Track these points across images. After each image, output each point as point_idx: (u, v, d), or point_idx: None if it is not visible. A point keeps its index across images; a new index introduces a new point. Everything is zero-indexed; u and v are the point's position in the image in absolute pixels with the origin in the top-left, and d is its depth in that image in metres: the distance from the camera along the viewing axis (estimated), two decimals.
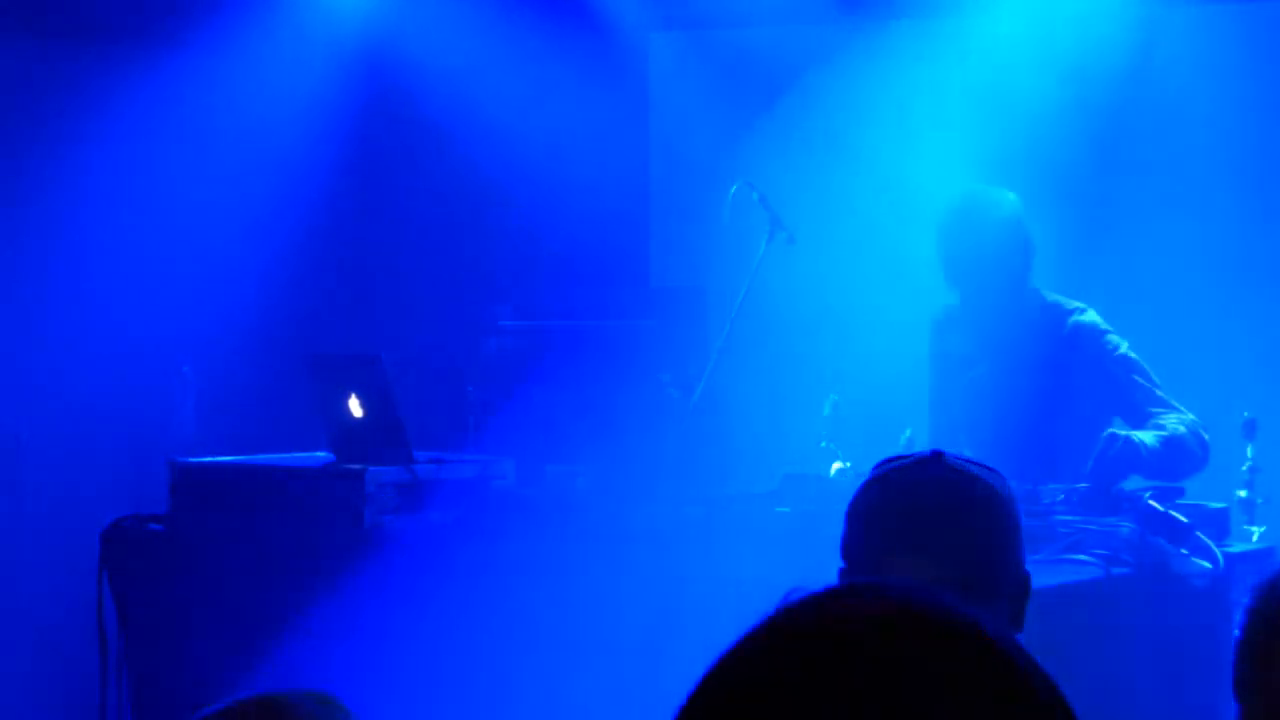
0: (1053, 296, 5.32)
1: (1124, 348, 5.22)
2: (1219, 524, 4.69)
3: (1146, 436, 4.92)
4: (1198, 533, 4.42)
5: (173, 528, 4.93)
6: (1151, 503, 4.41)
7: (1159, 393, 5.14)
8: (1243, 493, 5.03)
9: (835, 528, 2.58)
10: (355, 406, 4.89)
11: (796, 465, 5.36)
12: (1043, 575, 4.02)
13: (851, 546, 2.61)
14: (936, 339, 5.53)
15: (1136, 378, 5.15)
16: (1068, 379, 5.17)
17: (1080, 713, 1.47)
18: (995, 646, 1.32)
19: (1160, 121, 7.23)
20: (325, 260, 7.81)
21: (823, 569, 3.86)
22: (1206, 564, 4.41)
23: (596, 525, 4.66)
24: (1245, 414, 5.23)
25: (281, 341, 7.12)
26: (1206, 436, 5.03)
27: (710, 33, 8.12)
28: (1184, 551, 4.40)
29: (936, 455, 2.62)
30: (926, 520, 2.54)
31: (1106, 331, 5.25)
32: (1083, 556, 4.32)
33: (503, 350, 7.56)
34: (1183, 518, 4.42)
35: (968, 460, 2.65)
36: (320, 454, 5.07)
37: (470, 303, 7.82)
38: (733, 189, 5.72)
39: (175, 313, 7.36)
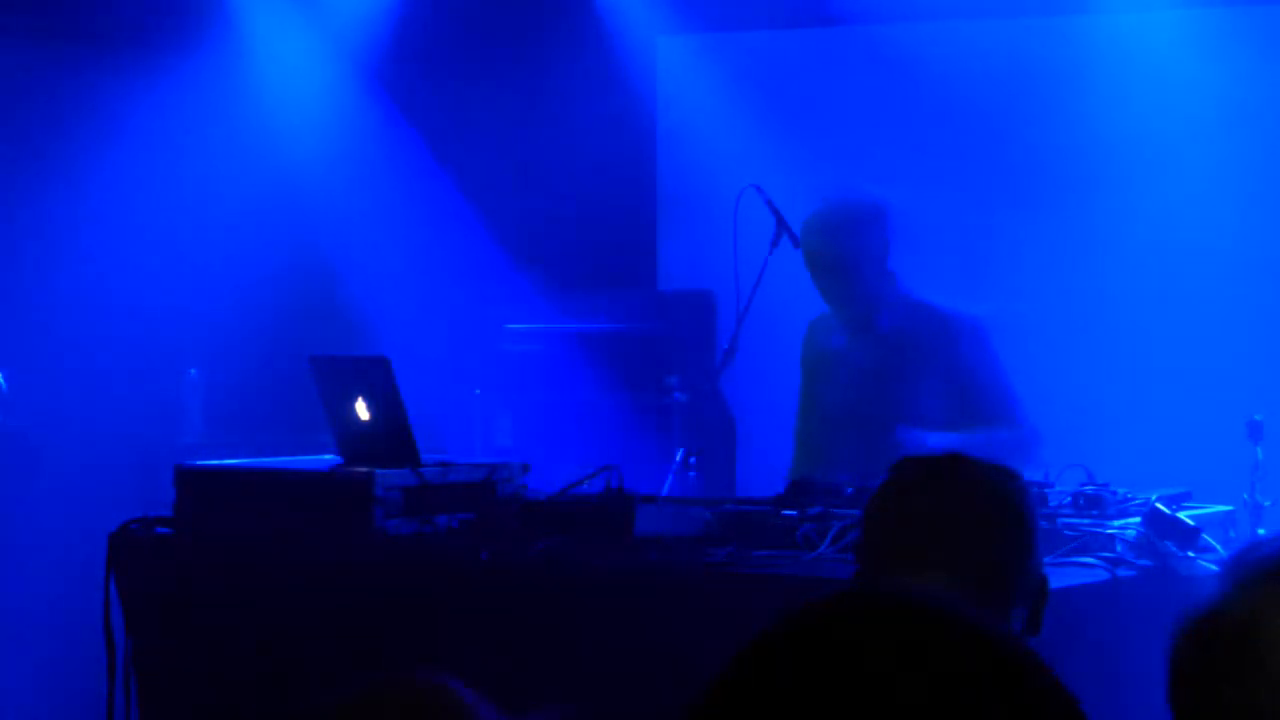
0: (924, 297, 5.42)
1: (979, 356, 5.30)
2: (1225, 527, 4.69)
3: (946, 437, 5.06)
4: (1204, 535, 4.42)
5: (180, 531, 4.93)
6: (1158, 505, 4.41)
7: (989, 409, 5.23)
8: (1249, 495, 5.03)
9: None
10: (363, 409, 4.89)
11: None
12: (1048, 578, 4.02)
13: (867, 549, 2.61)
14: (807, 345, 5.62)
15: (971, 390, 5.25)
16: (923, 375, 5.28)
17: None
18: (1006, 653, 1.33)
19: (1164, 123, 7.22)
20: (333, 263, 7.81)
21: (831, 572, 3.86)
22: (1213, 567, 4.41)
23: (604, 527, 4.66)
24: (1252, 416, 5.23)
25: (289, 345, 7.12)
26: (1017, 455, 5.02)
27: (718, 37, 8.12)
28: (1190, 554, 4.40)
29: (954, 457, 2.63)
30: (942, 524, 2.54)
31: (970, 330, 5.33)
32: (1088, 559, 4.32)
33: (510, 353, 7.57)
34: (1190, 520, 4.42)
35: (985, 464, 2.66)
36: (327, 457, 5.07)
37: (478, 306, 7.82)
38: (740, 193, 5.73)
39: (182, 315, 7.37)
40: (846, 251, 5.37)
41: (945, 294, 5.60)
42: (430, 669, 1.80)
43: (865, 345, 5.44)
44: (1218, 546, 4.43)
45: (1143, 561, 4.33)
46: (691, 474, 5.84)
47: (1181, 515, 4.41)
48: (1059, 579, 4.11)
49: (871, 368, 5.41)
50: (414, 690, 1.76)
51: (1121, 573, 4.28)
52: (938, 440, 5.14)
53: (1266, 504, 5.02)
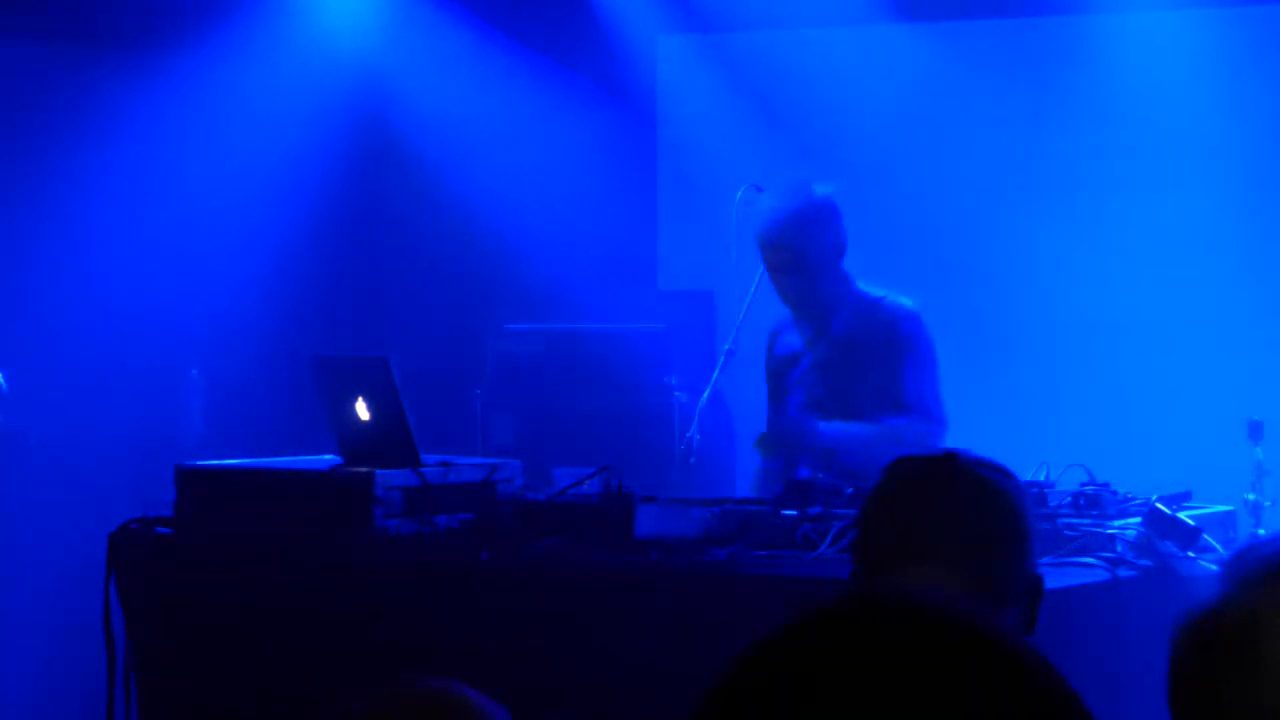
0: (876, 292, 5.45)
1: (910, 346, 5.34)
2: (1226, 527, 4.68)
3: (844, 426, 5.16)
4: (1204, 535, 4.41)
5: (180, 531, 4.93)
6: (1158, 505, 4.41)
7: (910, 398, 5.28)
8: (1250, 495, 5.03)
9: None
10: (363, 410, 4.89)
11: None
12: (1049, 578, 4.02)
13: (864, 548, 2.61)
14: (769, 353, 5.64)
15: (897, 378, 5.29)
16: (871, 371, 5.32)
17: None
18: (1009, 652, 1.33)
19: (1164, 123, 7.23)
20: (333, 264, 7.81)
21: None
22: (1213, 567, 4.41)
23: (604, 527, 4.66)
24: (1252, 416, 5.23)
25: (289, 345, 7.13)
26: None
27: (718, 36, 8.12)
28: (1190, 554, 4.40)
29: (950, 456, 2.63)
30: (939, 523, 2.54)
31: (906, 326, 5.37)
32: (1089, 559, 4.32)
33: (510, 353, 7.56)
34: (1190, 520, 4.42)
35: (981, 461, 2.66)
36: (327, 457, 5.07)
37: (478, 306, 7.82)
38: (740, 193, 5.73)
39: (183, 316, 7.37)
40: (802, 252, 5.37)
41: (942, 292, 5.61)
42: (437, 674, 1.79)
43: (821, 347, 5.47)
44: (1218, 546, 4.43)
45: (1143, 561, 4.33)
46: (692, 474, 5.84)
47: (1181, 515, 4.41)
48: (1059, 579, 4.11)
49: (828, 368, 5.43)
50: (426, 696, 1.76)
51: (1122, 573, 4.28)
52: (829, 428, 5.20)
53: (1266, 504, 5.02)
